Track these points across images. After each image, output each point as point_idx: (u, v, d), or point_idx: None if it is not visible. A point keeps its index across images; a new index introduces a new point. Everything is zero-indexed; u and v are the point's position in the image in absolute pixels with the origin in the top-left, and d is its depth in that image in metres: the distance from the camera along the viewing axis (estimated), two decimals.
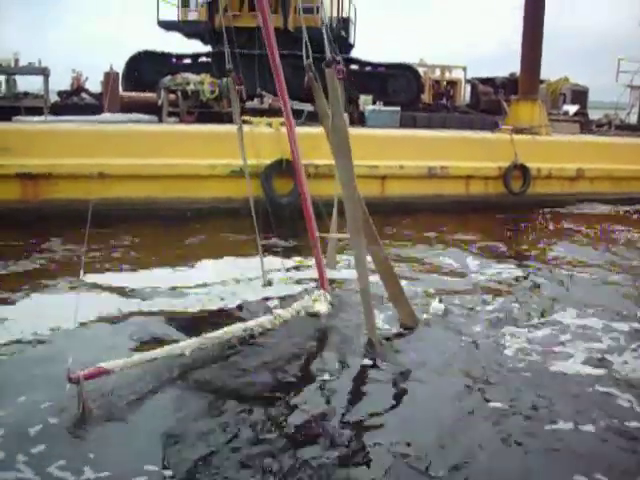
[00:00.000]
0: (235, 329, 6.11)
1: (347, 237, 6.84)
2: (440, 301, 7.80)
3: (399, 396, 5.58)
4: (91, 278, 8.40)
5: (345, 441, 4.68)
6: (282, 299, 7.79)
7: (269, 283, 8.23)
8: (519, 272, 9.86)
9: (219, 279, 8.59)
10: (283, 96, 7.69)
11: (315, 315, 7.10)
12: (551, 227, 13.94)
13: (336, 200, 8.33)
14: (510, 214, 14.81)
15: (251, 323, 6.46)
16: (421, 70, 22.20)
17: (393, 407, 5.32)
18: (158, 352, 5.39)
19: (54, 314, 6.81)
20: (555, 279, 9.51)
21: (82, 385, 4.51)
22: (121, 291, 8.06)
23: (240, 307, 7.55)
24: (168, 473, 4.20)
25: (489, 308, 7.97)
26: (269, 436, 4.71)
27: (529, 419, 5.15)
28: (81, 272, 4.73)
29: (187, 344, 5.59)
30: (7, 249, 10.22)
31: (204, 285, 8.41)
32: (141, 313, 7.36)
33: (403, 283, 7.74)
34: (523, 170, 15.59)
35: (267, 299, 7.81)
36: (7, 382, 5.48)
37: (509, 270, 9.93)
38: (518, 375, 6.00)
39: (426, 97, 22.33)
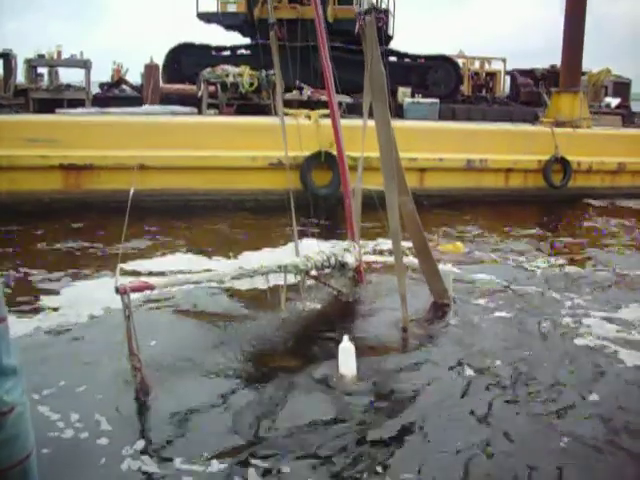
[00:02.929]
0: (271, 264, 6.28)
1: (379, 189, 6.89)
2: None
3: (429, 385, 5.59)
4: (132, 265, 8.55)
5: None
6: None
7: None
8: (558, 265, 9.77)
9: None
10: (329, 89, 7.74)
11: (344, 265, 7.23)
12: (592, 221, 13.78)
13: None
14: (550, 207, 14.69)
15: (285, 261, 6.60)
16: (460, 62, 22.03)
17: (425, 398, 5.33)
18: (200, 276, 5.75)
19: (98, 299, 7.02)
20: (596, 273, 9.41)
21: (129, 296, 4.75)
22: (160, 276, 8.18)
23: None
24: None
25: (521, 299, 7.94)
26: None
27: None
28: (118, 260, 4.82)
29: (227, 273, 5.80)
30: (50, 238, 10.43)
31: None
32: (179, 292, 7.50)
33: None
34: (564, 163, 15.41)
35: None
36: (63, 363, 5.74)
37: (548, 263, 9.85)
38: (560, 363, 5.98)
39: (465, 89, 22.17)
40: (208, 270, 8.31)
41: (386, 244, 9.47)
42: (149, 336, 5.42)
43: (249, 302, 7.34)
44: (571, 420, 4.94)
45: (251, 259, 9.07)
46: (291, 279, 6.83)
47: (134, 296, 5.05)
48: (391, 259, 7.67)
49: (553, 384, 5.54)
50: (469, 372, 5.73)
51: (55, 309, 7.09)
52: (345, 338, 5.63)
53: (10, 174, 12.15)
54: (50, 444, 4.25)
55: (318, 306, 7.34)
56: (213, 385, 5.35)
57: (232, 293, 7.61)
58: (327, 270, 7.26)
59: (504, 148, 15.06)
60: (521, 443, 4.59)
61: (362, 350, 5.88)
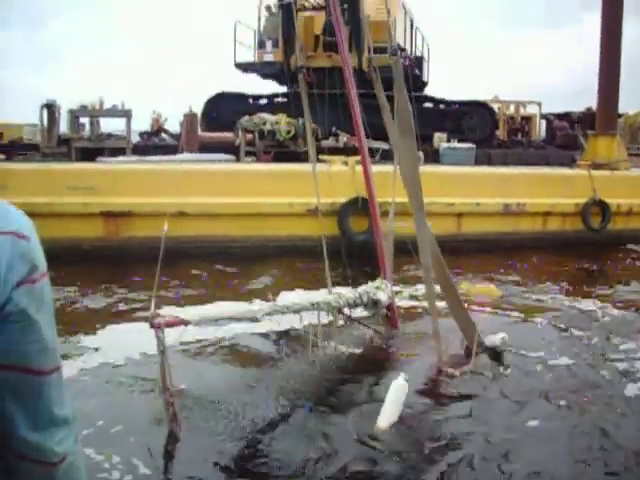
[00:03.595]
0: (304, 302, 6.33)
1: (403, 225, 6.92)
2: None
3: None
4: (168, 311, 8.62)
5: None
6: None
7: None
8: (599, 310, 9.62)
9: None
10: (359, 135, 7.87)
11: (376, 303, 7.26)
12: (633, 264, 13.59)
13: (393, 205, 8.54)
14: (589, 251, 14.53)
15: (318, 298, 6.65)
16: (495, 106, 22.13)
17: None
18: (234, 312, 5.79)
19: (136, 341, 7.07)
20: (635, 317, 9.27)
21: (163, 331, 4.78)
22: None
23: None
24: None
25: (560, 344, 7.83)
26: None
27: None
28: (152, 305, 4.88)
29: (260, 309, 5.85)
30: (91, 284, 10.61)
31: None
32: (214, 338, 7.63)
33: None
34: (602, 206, 15.26)
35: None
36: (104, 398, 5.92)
37: (588, 307, 9.71)
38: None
39: (501, 133, 22.21)
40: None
41: (423, 289, 9.45)
42: (181, 376, 5.43)
43: (283, 343, 7.42)
44: None
45: (287, 298, 9.11)
46: (324, 320, 6.87)
47: (170, 335, 5.09)
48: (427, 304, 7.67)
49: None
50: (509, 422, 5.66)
51: (96, 350, 7.26)
52: (401, 375, 5.60)
53: (52, 221, 12.37)
54: None
55: (351, 349, 7.33)
56: (241, 427, 5.38)
57: (267, 334, 7.71)
58: (359, 308, 7.30)
59: (541, 192, 14.98)
60: None
61: None
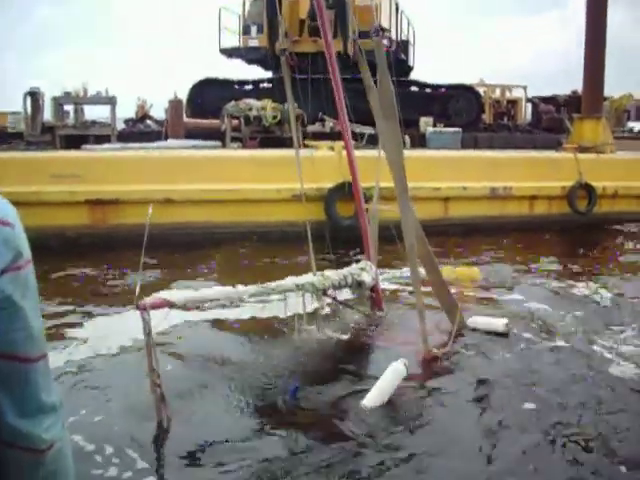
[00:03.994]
0: (289, 283, 6.33)
1: (388, 209, 6.96)
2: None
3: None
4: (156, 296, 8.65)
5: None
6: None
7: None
8: (585, 291, 9.68)
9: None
10: (343, 119, 7.87)
11: (361, 284, 7.30)
12: (619, 246, 13.67)
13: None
14: (576, 233, 14.61)
15: (302, 280, 6.64)
16: (481, 90, 22.14)
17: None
18: (219, 293, 5.82)
19: (125, 330, 7.12)
20: (623, 298, 9.32)
21: (149, 312, 4.78)
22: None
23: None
24: None
25: (550, 326, 7.87)
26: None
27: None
28: (137, 291, 4.87)
29: (245, 290, 5.84)
30: (77, 272, 10.60)
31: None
32: (198, 323, 7.77)
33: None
34: (588, 189, 15.32)
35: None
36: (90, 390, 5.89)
37: (575, 289, 9.78)
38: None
39: (487, 117, 22.23)
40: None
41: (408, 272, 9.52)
42: (166, 363, 5.43)
43: (267, 330, 7.45)
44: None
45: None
46: (309, 306, 6.89)
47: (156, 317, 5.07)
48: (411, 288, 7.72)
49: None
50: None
51: (85, 341, 7.22)
52: (401, 360, 5.63)
53: (37, 210, 12.30)
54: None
55: (336, 332, 7.37)
56: (228, 413, 5.44)
57: (252, 319, 7.80)
58: (344, 290, 7.37)
59: (528, 175, 15.01)
60: None
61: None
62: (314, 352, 6.80)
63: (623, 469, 4.60)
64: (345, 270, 7.30)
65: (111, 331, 7.45)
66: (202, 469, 4.54)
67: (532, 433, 5.12)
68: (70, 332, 7.60)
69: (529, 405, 5.62)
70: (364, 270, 7.47)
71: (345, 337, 7.29)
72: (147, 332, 4.79)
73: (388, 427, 5.16)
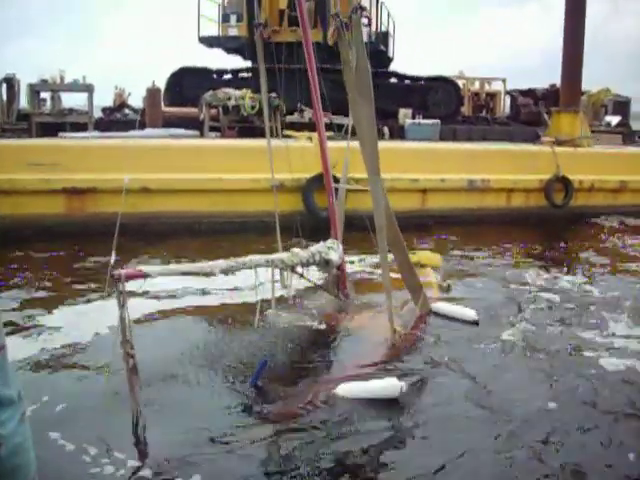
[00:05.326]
0: (259, 259, 6.41)
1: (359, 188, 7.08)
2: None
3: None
4: (137, 285, 8.64)
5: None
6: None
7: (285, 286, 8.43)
8: (559, 282, 9.77)
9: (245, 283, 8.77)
10: (317, 109, 7.92)
11: (328, 262, 7.43)
12: (593, 239, 13.76)
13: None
14: (552, 226, 14.71)
15: (272, 257, 6.77)
16: (460, 82, 22.21)
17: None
18: (191, 267, 5.98)
19: (94, 319, 7.25)
20: (597, 289, 9.41)
21: (124, 283, 4.76)
22: (153, 295, 8.42)
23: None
24: None
25: (520, 315, 7.99)
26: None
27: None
28: (112, 257, 4.86)
29: (217, 264, 5.88)
30: (53, 261, 10.51)
31: (233, 288, 8.80)
32: (171, 311, 7.99)
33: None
34: (565, 182, 15.42)
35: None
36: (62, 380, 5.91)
37: (545, 279, 9.88)
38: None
39: (466, 110, 22.31)
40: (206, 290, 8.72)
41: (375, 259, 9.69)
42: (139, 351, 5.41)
43: (237, 316, 7.67)
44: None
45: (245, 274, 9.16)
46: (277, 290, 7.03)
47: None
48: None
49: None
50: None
51: (58, 329, 7.19)
52: (402, 384, 5.50)
53: (13, 198, 12.19)
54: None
55: (304, 318, 7.52)
56: (198, 400, 5.52)
57: (222, 307, 8.12)
58: (312, 266, 7.50)
59: (505, 168, 15.09)
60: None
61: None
62: (282, 338, 6.88)
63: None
64: (313, 248, 7.40)
65: (86, 318, 7.45)
66: (178, 458, 4.54)
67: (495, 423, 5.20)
68: (44, 319, 7.57)
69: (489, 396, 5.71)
70: (331, 249, 7.57)
71: (312, 321, 7.42)
72: (122, 303, 4.77)
73: (355, 413, 5.22)
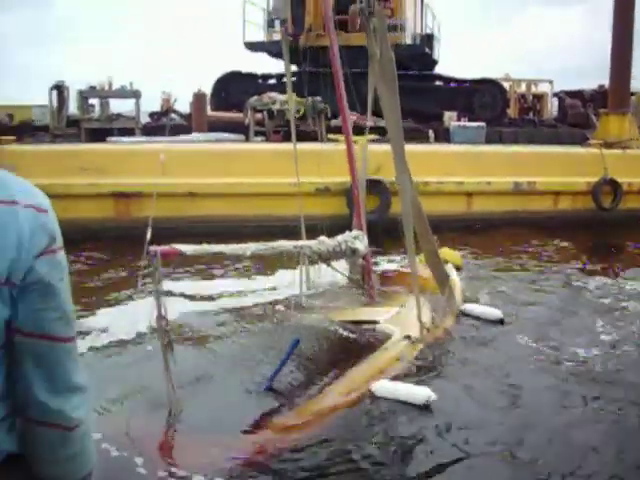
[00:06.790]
0: (287, 244, 6.61)
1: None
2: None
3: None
4: (179, 286, 9.00)
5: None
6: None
7: (310, 287, 8.52)
8: (601, 287, 9.60)
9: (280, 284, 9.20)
10: (343, 113, 8.07)
11: (354, 251, 7.47)
12: None
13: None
14: (600, 230, 14.48)
15: (300, 243, 7.02)
16: (506, 84, 22.00)
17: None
18: (224, 248, 6.03)
19: (140, 320, 7.23)
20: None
21: (159, 260, 4.87)
22: (190, 297, 8.79)
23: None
24: None
25: (564, 320, 7.91)
26: None
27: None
28: (147, 235, 4.94)
29: (247, 247, 6.06)
30: (100, 263, 10.84)
31: (271, 289, 9.21)
32: (207, 311, 8.28)
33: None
34: (614, 185, 15.16)
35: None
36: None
37: (590, 284, 9.73)
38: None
39: (512, 112, 22.08)
40: (243, 292, 9.14)
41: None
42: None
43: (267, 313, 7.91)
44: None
45: (285, 277, 9.23)
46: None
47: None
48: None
49: None
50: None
51: (103, 331, 7.43)
52: (431, 395, 5.43)
53: (63, 202, 12.41)
54: None
55: (332, 313, 7.56)
56: (232, 397, 5.62)
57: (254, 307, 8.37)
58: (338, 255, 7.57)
59: (552, 171, 14.89)
60: None
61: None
62: (310, 334, 6.93)
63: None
64: (340, 237, 7.43)
65: (131, 319, 7.59)
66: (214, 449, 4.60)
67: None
68: (90, 320, 7.82)
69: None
70: (357, 239, 7.60)
71: (339, 317, 7.42)
72: (157, 279, 4.86)
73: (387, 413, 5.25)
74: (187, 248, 5.35)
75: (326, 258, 7.27)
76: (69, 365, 1.54)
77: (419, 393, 5.35)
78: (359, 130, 14.76)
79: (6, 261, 1.41)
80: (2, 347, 1.44)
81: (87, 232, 12.07)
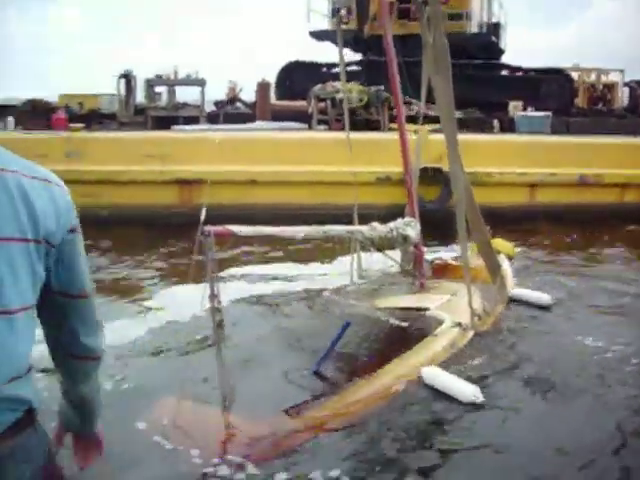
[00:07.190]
0: (339, 228, 6.72)
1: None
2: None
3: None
4: (234, 271, 9.51)
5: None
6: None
7: (361, 276, 8.63)
8: None
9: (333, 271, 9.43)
10: (397, 102, 8.08)
11: (406, 238, 7.38)
12: None
13: None
14: None
15: (352, 228, 7.10)
16: (575, 74, 21.55)
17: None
18: (276, 230, 6.05)
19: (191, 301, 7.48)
20: None
21: (212, 239, 4.90)
22: (244, 281, 9.11)
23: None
24: None
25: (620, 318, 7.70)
26: None
27: None
28: (202, 215, 5.02)
29: (300, 229, 6.11)
30: (163, 249, 11.11)
31: (324, 275, 9.46)
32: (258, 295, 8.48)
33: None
34: None
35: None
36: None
37: None
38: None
39: (580, 102, 21.62)
40: (297, 278, 9.38)
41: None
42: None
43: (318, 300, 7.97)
44: None
45: (339, 265, 9.45)
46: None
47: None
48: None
49: None
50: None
51: (160, 309, 7.74)
52: (478, 393, 5.38)
53: (129, 189, 12.70)
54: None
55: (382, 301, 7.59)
56: (283, 382, 5.70)
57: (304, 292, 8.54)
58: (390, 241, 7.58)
59: (620, 162, 14.55)
60: None
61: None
62: (360, 320, 6.94)
63: None
64: (392, 224, 7.38)
65: (188, 301, 7.76)
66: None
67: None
68: (150, 303, 8.14)
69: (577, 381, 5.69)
70: (409, 226, 7.54)
71: (390, 305, 7.42)
72: (209, 259, 4.92)
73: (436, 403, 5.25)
74: (240, 229, 5.41)
75: (378, 244, 7.31)
76: (95, 311, 1.96)
77: (466, 390, 5.30)
78: (422, 119, 14.76)
79: (45, 228, 1.67)
80: (35, 306, 1.72)
81: (151, 218, 12.33)
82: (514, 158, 13.65)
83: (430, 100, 8.42)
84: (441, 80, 6.85)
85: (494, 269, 7.72)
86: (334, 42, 19.87)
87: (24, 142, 13.15)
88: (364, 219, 12.20)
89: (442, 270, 8.95)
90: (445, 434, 4.86)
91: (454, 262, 8.75)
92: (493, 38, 20.12)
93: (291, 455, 4.44)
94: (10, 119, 15.29)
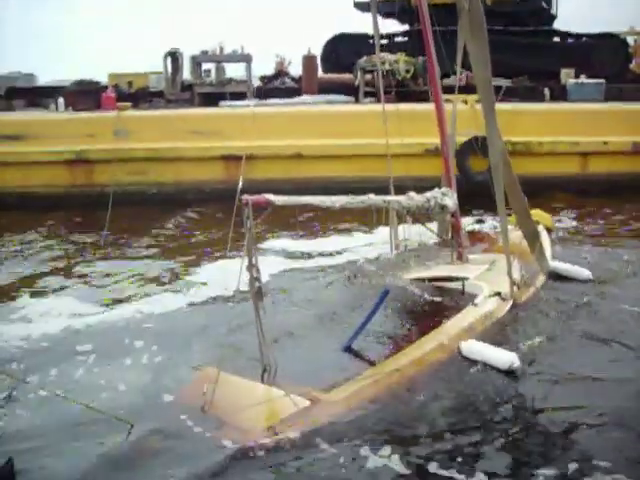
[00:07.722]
0: (377, 198, 6.66)
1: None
2: None
3: None
4: (267, 245, 9.80)
5: None
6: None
7: (397, 247, 8.76)
8: None
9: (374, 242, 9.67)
10: (432, 72, 8.14)
11: (443, 208, 7.44)
12: None
13: None
14: None
15: (389, 197, 7.20)
16: (630, 39, 20.92)
17: None
18: (313, 199, 6.11)
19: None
20: None
21: (250, 208, 5.01)
22: (288, 254, 9.44)
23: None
24: None
25: None
26: None
27: None
28: (239, 189, 5.10)
29: (337, 199, 6.16)
30: (210, 223, 11.34)
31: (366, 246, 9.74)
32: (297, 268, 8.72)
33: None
34: None
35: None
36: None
37: None
38: None
39: (636, 68, 21.00)
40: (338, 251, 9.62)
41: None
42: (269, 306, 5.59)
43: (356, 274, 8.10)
44: None
45: (379, 236, 9.62)
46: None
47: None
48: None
49: None
50: None
51: (204, 285, 7.94)
52: (517, 361, 5.42)
53: (176, 165, 12.77)
54: None
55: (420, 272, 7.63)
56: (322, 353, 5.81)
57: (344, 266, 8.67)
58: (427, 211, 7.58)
59: None
60: None
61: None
62: (399, 291, 7.06)
63: None
64: (428, 194, 7.39)
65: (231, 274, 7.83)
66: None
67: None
68: (193, 277, 8.41)
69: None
70: (446, 195, 7.54)
71: (428, 276, 7.45)
72: (248, 228, 4.98)
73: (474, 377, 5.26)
74: (277, 198, 5.43)
75: (415, 214, 7.45)
76: None
77: (504, 358, 5.34)
78: (469, 90, 14.51)
79: None
80: None
81: (198, 194, 12.40)
82: (566, 127, 13.35)
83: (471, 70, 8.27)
84: (477, 47, 6.73)
85: (532, 239, 7.60)
86: (380, 13, 19.65)
87: (73, 122, 13.31)
88: (413, 190, 12.19)
89: (480, 240, 8.87)
90: (486, 403, 4.85)
91: (492, 232, 8.69)
92: (544, 4, 19.62)
93: (332, 427, 4.45)
94: (60, 100, 15.45)
